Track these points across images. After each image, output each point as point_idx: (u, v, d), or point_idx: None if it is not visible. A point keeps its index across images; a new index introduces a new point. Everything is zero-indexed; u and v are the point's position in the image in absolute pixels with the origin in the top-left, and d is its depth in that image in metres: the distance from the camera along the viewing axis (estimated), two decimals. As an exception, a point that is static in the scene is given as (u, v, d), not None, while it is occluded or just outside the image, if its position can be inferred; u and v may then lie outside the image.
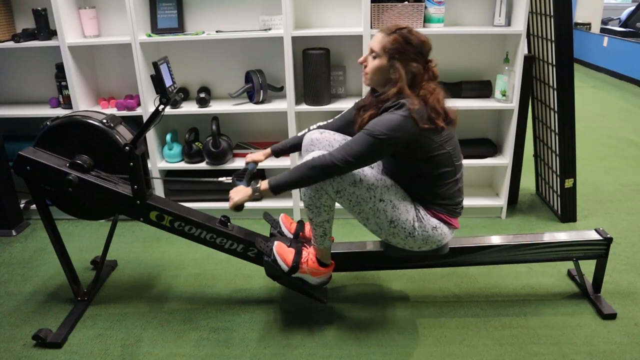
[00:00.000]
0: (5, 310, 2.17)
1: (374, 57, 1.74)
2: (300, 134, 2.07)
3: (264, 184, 1.75)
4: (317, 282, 1.94)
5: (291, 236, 2.09)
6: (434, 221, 1.79)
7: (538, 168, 3.14)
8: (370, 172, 1.77)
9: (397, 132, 1.63)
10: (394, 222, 1.77)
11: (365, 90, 2.67)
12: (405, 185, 1.80)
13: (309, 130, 2.04)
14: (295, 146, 2.08)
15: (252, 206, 2.91)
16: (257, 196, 1.78)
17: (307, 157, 1.75)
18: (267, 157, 2.12)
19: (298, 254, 1.92)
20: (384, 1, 2.60)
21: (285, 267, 1.90)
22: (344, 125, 2.01)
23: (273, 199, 2.99)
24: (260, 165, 2.84)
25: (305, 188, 1.79)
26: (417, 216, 1.78)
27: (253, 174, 2.06)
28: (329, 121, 2.08)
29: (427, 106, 1.67)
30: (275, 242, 1.95)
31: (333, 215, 1.86)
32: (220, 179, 2.25)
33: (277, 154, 2.11)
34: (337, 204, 1.84)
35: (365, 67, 1.78)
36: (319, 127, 2.06)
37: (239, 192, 1.80)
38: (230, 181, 1.98)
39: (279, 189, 1.74)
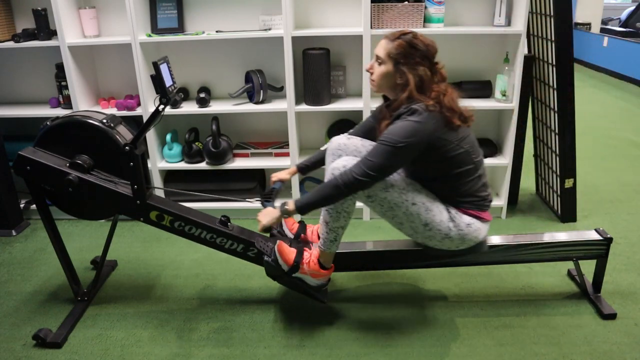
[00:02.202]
0: (5, 310, 2.17)
1: (380, 64, 1.74)
2: (323, 147, 2.07)
3: (290, 205, 1.78)
4: (316, 283, 1.95)
5: (292, 236, 2.09)
6: (467, 218, 1.78)
7: (538, 168, 3.13)
8: (400, 176, 1.78)
9: (412, 137, 1.63)
10: (428, 225, 1.77)
11: (366, 90, 2.67)
12: (429, 187, 1.81)
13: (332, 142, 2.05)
14: (321, 161, 2.08)
15: (252, 206, 2.91)
16: (284, 217, 1.82)
17: (334, 164, 1.77)
18: (292, 174, 2.12)
19: (299, 254, 1.92)
20: (384, 1, 2.60)
21: (285, 267, 1.90)
22: (364, 135, 2.02)
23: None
24: (261, 165, 2.87)
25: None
26: (450, 216, 1.78)
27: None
28: (353, 130, 2.07)
29: (443, 107, 1.67)
30: (278, 241, 1.95)
31: (349, 223, 1.87)
32: (247, 200, 2.33)
33: (302, 170, 2.12)
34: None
35: (372, 74, 1.78)
36: (345, 137, 2.05)
37: (268, 215, 1.83)
38: (259, 203, 2.02)
39: (306, 209, 1.77)
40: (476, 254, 1.92)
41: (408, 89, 1.68)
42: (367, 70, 1.81)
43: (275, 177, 2.11)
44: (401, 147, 1.63)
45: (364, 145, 1.95)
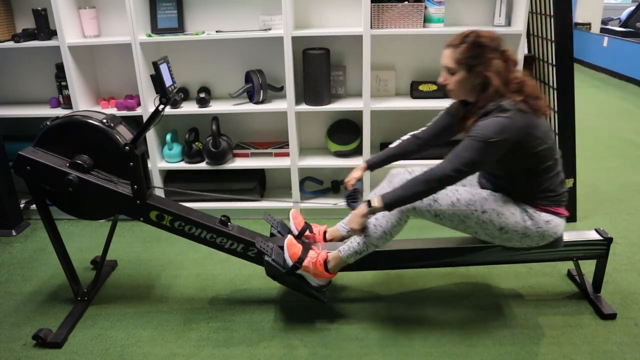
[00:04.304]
0: (5, 310, 2.17)
1: (452, 74, 1.73)
2: (393, 145, 2.07)
3: (378, 202, 1.76)
4: (317, 284, 1.95)
5: (296, 232, 2.09)
6: (545, 215, 1.79)
7: (538, 168, 3.13)
8: (464, 189, 1.80)
9: (504, 134, 1.63)
10: (503, 229, 1.79)
11: (366, 90, 2.67)
12: (511, 185, 1.81)
13: (401, 141, 2.05)
14: (390, 158, 2.07)
15: (252, 206, 2.91)
16: (371, 214, 1.82)
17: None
18: (364, 171, 2.10)
19: (305, 251, 1.92)
20: (384, 1, 2.59)
21: (290, 261, 1.90)
22: (437, 134, 2.00)
23: (273, 198, 3.00)
24: (261, 165, 2.86)
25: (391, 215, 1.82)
26: (526, 215, 1.78)
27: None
28: (423, 129, 2.05)
29: (529, 97, 1.67)
30: (288, 236, 1.96)
31: (384, 246, 1.90)
32: (336, 204, 2.44)
33: (372, 167, 2.10)
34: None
35: (447, 85, 1.76)
36: (414, 136, 2.04)
37: (356, 217, 1.82)
38: (346, 205, 2.08)
39: (394, 206, 1.76)
40: (554, 249, 1.93)
41: (492, 86, 1.67)
42: (441, 83, 1.78)
43: (351, 178, 2.09)
44: (493, 143, 1.63)
45: None
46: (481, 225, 1.79)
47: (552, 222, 1.79)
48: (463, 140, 1.68)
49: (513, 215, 1.78)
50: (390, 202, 1.75)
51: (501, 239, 1.83)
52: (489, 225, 1.79)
